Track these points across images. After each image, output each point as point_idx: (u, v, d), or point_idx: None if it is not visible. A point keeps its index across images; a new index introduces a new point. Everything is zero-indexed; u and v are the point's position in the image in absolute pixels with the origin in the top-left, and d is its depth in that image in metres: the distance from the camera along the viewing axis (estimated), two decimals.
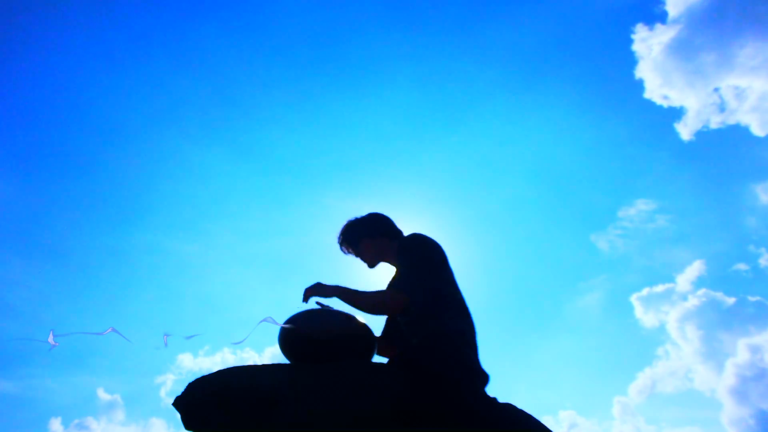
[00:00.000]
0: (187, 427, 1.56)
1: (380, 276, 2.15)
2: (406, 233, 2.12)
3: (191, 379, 1.64)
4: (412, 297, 1.80)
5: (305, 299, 1.89)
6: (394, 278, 2.05)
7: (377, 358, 1.98)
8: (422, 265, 1.86)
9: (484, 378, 1.72)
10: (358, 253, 2.15)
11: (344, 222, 2.18)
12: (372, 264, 2.14)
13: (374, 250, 2.11)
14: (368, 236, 2.12)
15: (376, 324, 2.18)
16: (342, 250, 2.19)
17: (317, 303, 1.91)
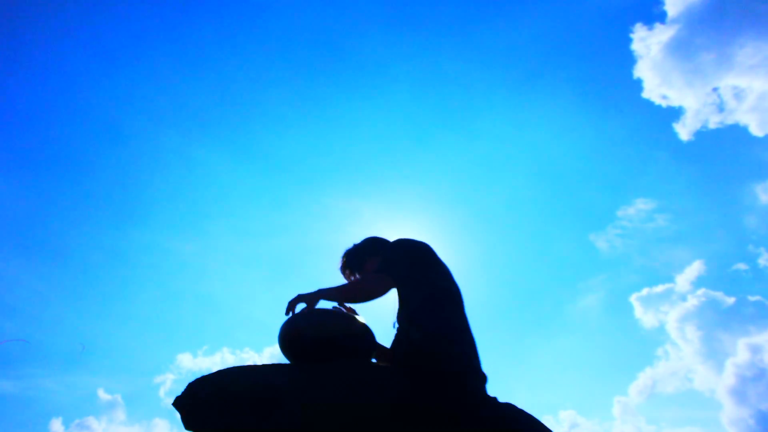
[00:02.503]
0: (187, 427, 1.56)
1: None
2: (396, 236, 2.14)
3: (190, 379, 1.64)
4: (407, 291, 1.82)
5: (287, 312, 1.80)
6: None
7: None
8: (413, 264, 1.87)
9: (483, 378, 1.72)
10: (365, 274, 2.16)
11: (343, 251, 2.21)
12: None
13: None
14: (371, 255, 2.14)
15: (376, 324, 2.18)
16: (346, 278, 2.20)
17: (334, 308, 1.91)
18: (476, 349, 1.78)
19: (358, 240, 2.25)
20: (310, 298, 1.80)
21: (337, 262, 2.23)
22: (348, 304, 2.02)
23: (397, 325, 1.97)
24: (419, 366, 1.64)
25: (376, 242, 2.18)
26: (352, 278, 2.18)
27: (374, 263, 2.10)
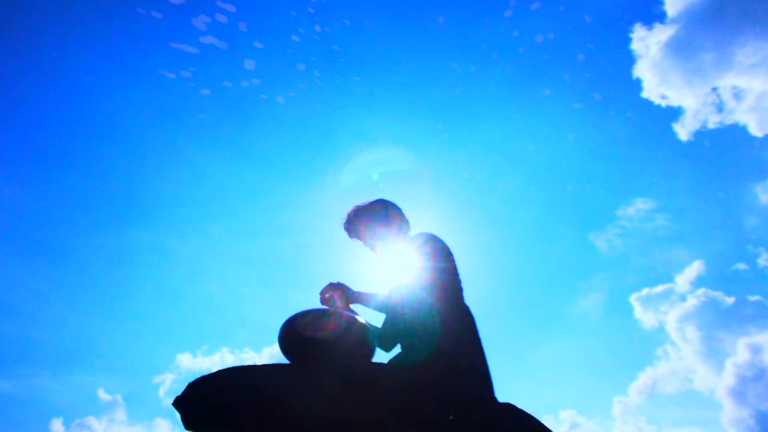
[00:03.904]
0: (187, 427, 1.56)
1: (381, 265, 2.13)
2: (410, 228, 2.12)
3: (190, 379, 1.64)
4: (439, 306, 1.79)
5: (323, 293, 1.92)
6: (410, 275, 1.96)
7: (377, 358, 1.98)
8: (445, 270, 1.85)
9: (484, 378, 1.71)
10: (363, 239, 2.12)
11: (351, 207, 2.14)
12: (378, 251, 2.10)
13: (381, 238, 2.07)
14: (377, 223, 2.09)
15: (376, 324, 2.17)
16: (348, 234, 2.15)
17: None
18: (481, 350, 1.76)
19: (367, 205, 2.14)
20: (351, 296, 1.90)
21: (343, 218, 2.16)
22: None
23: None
24: (419, 367, 1.64)
25: (385, 210, 2.11)
26: (354, 238, 2.14)
27: (377, 235, 2.07)
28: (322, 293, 2.00)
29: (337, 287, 1.92)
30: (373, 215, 2.10)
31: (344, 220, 2.15)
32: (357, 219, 2.12)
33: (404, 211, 2.16)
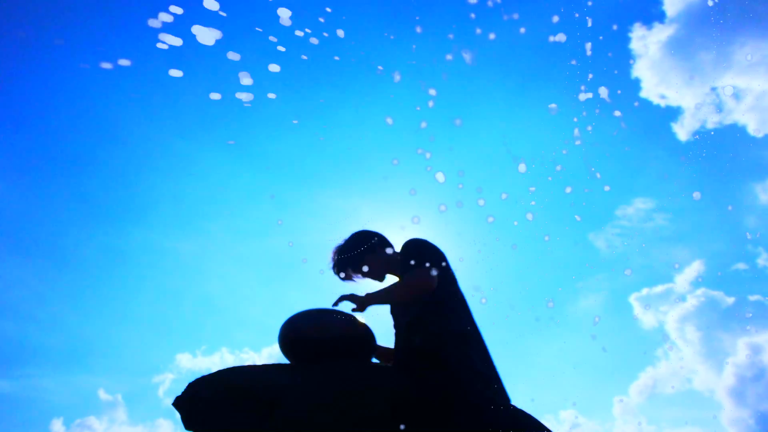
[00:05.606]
0: (187, 427, 1.56)
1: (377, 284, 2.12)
2: (397, 237, 2.11)
3: (189, 378, 1.65)
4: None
5: (335, 304, 1.85)
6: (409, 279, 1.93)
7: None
8: (441, 273, 1.82)
9: (485, 378, 1.69)
10: (365, 274, 2.07)
11: (334, 250, 2.09)
12: (382, 278, 2.07)
13: (381, 264, 2.04)
14: (370, 252, 2.05)
15: (378, 325, 2.17)
16: (341, 278, 2.09)
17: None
18: (485, 352, 1.75)
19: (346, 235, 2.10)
20: (363, 301, 1.80)
21: (328, 260, 2.09)
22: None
23: (397, 322, 1.96)
24: (419, 368, 1.63)
25: (370, 238, 2.07)
26: (351, 278, 2.08)
27: (376, 262, 2.04)
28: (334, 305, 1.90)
29: (351, 299, 1.85)
30: (365, 248, 2.04)
31: (333, 267, 2.08)
32: (346, 261, 2.06)
33: (395, 219, 2.14)
